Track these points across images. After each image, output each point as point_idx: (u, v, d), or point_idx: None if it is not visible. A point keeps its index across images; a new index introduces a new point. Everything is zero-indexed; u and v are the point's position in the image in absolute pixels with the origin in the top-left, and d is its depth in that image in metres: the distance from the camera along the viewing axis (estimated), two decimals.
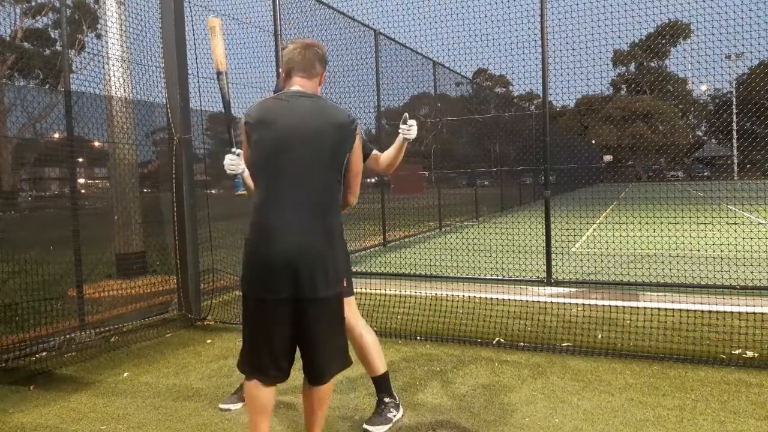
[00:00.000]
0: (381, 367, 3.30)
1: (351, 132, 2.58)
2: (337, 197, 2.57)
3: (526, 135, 17.76)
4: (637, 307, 5.35)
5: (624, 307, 5.36)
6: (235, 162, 2.59)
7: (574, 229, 7.32)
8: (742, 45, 5.29)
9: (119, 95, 6.18)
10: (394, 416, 3.25)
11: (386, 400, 3.28)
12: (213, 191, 8.89)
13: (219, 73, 3.02)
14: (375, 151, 3.33)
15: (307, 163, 2.48)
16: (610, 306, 5.41)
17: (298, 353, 2.54)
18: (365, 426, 3.16)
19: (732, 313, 4.95)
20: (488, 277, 6.43)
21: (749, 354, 4.11)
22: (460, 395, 3.63)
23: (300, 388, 3.82)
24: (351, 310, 3.25)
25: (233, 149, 2.64)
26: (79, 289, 5.07)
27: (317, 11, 7.87)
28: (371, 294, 5.75)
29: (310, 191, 2.48)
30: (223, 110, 2.97)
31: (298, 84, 2.66)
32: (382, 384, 3.31)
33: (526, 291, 6.18)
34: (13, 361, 4.40)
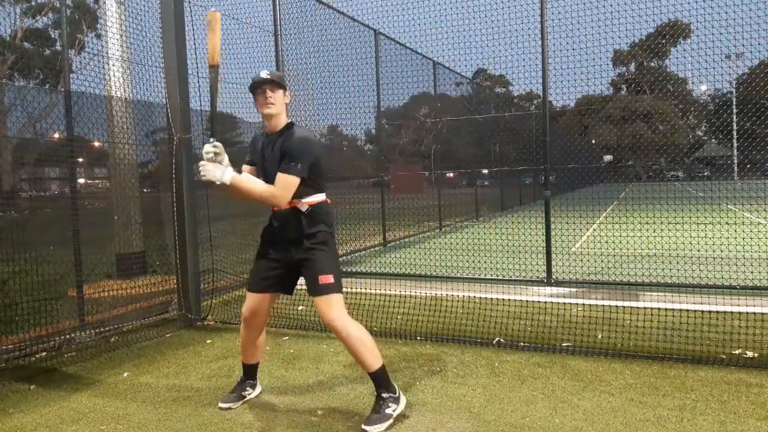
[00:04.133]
0: (375, 363, 3.21)
1: None
2: None
3: (526, 135, 17.74)
4: (637, 307, 5.35)
5: (624, 307, 5.36)
6: (212, 150, 3.08)
7: (574, 229, 7.31)
8: (742, 45, 5.29)
9: (119, 95, 6.19)
10: (394, 410, 3.20)
11: (384, 395, 3.23)
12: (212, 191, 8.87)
13: (212, 67, 3.20)
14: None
15: None
16: (610, 306, 5.41)
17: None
18: (363, 426, 3.13)
19: (732, 313, 4.95)
20: (488, 277, 6.43)
21: (749, 354, 4.11)
22: (460, 395, 3.63)
23: (300, 388, 3.82)
24: (339, 307, 3.18)
25: (211, 139, 3.10)
26: (79, 289, 5.07)
27: (317, 11, 7.88)
28: (371, 294, 5.74)
29: None
30: (209, 104, 3.27)
31: None
32: (378, 379, 3.23)
33: (526, 291, 6.17)
34: (13, 361, 4.41)
